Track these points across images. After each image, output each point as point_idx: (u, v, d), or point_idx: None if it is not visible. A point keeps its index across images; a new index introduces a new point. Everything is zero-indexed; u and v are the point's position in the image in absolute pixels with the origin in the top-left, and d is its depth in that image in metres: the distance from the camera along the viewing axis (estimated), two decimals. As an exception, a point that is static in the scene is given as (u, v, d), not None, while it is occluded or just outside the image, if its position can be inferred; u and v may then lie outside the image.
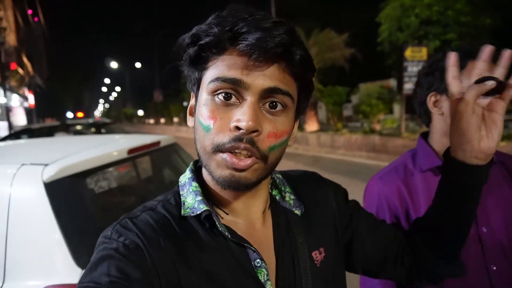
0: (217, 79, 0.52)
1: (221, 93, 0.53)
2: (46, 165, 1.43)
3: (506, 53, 0.60)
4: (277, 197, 0.69)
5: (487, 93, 0.59)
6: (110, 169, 1.87)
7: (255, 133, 0.51)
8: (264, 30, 0.50)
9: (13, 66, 17.71)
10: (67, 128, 6.95)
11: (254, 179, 0.54)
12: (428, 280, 0.76)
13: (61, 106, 42.35)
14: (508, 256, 0.94)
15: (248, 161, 0.52)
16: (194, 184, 0.61)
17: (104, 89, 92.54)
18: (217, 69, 0.53)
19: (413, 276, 0.76)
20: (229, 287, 0.55)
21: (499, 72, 0.60)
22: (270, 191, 0.68)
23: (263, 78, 0.51)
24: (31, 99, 25.80)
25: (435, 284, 0.77)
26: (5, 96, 14.93)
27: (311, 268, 0.63)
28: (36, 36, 33.83)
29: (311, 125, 13.84)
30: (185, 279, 0.53)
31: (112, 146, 1.93)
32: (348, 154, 10.10)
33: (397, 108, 14.43)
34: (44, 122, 20.26)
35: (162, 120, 38.56)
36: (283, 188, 0.69)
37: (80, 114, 37.62)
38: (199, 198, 0.59)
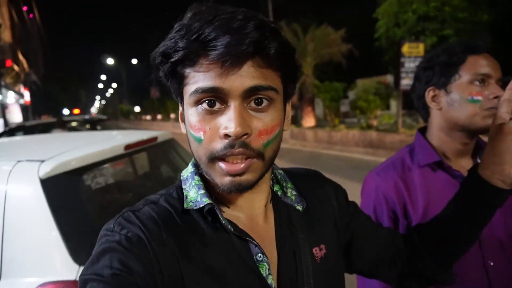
0: (196, 91, 0.52)
1: (204, 101, 0.52)
2: (43, 161, 1.42)
3: None
4: (279, 193, 0.69)
5: None
6: (107, 165, 1.87)
7: (245, 136, 0.51)
8: (232, 32, 0.48)
9: (9, 63, 17.59)
10: (63, 124, 6.91)
11: (255, 179, 0.55)
12: (418, 284, 0.76)
13: (57, 103, 42.16)
14: (506, 252, 0.94)
15: (243, 164, 0.52)
16: (197, 178, 0.62)
17: (101, 85, 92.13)
18: (194, 82, 0.52)
19: (404, 280, 0.76)
20: (230, 281, 0.56)
21: None
22: (272, 186, 0.68)
23: (241, 79, 0.50)
24: (27, 96, 25.61)
25: None
26: (1, 93, 14.83)
27: (312, 264, 0.64)
28: (32, 33, 33.53)
29: (308, 121, 13.84)
30: (187, 272, 0.54)
31: (109, 142, 1.92)
32: (345, 150, 10.11)
33: (394, 104, 14.43)
34: (40, 119, 20.15)
35: (159, 117, 38.45)
36: (284, 184, 0.69)
37: (76, 111, 37.49)
38: (202, 191, 0.59)
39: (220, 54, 0.48)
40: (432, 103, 1.02)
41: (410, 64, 9.21)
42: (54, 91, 40.15)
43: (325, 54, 14.03)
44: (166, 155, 2.45)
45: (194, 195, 0.59)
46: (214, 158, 0.53)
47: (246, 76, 0.50)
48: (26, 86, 25.65)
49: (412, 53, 9.33)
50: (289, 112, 0.64)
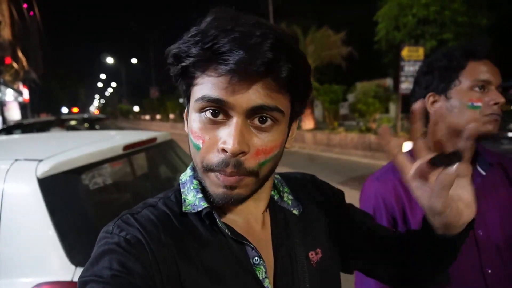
0: (202, 98, 0.51)
1: (207, 110, 0.52)
2: (40, 160, 1.42)
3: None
4: (276, 197, 0.70)
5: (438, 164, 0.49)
6: (105, 165, 1.86)
7: (242, 154, 0.51)
8: (246, 48, 0.47)
9: (8, 60, 17.56)
10: (62, 123, 6.90)
11: (247, 193, 0.55)
12: (416, 285, 0.75)
13: (56, 101, 42.10)
14: (504, 259, 0.94)
15: (235, 178, 0.52)
16: (195, 182, 0.62)
17: (100, 84, 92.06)
18: (201, 87, 0.52)
19: (401, 280, 0.75)
20: (228, 284, 0.56)
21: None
22: None
23: (248, 97, 0.49)
24: (26, 94, 25.59)
25: None
26: (-1, 90, 14.79)
27: (308, 268, 0.64)
28: (32, 30, 33.48)
29: (307, 123, 13.85)
30: (185, 275, 0.54)
31: (108, 142, 1.91)
32: (344, 153, 10.11)
33: (393, 107, 14.45)
34: (39, 117, 20.11)
35: (158, 117, 38.41)
36: (281, 189, 0.70)
37: (75, 110, 37.40)
38: (200, 195, 0.59)
39: (230, 70, 0.47)
40: (432, 108, 1.01)
41: (409, 68, 9.22)
42: (53, 90, 40.09)
43: (325, 56, 14.07)
44: (165, 156, 2.45)
45: (192, 198, 0.60)
46: (209, 169, 0.53)
47: (253, 94, 0.50)
48: (25, 84, 25.62)
49: (412, 57, 9.35)
50: (294, 130, 0.63)
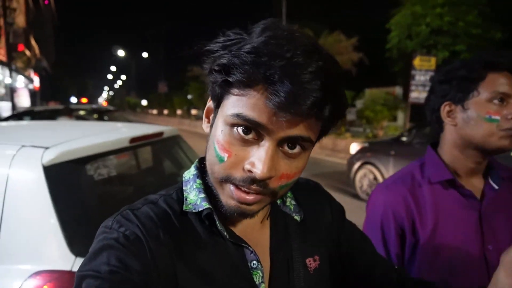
0: (238, 115, 0.49)
1: (240, 126, 0.50)
2: (47, 148, 1.41)
3: None
4: (278, 201, 0.69)
5: None
6: (111, 157, 1.85)
7: (268, 178, 0.50)
8: (298, 83, 0.45)
9: (21, 47, 17.69)
10: (71, 112, 6.93)
11: (259, 209, 0.55)
12: None
13: (66, 91, 42.42)
14: None
15: (253, 197, 0.51)
16: (198, 181, 0.61)
17: (110, 76, 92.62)
18: (240, 103, 0.50)
19: None
20: (221, 285, 0.56)
21: None
22: None
23: (286, 125, 0.48)
24: (36, 82, 25.76)
25: None
26: (11, 76, 14.92)
27: (304, 275, 0.64)
28: (46, 19, 33.79)
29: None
30: (181, 274, 0.54)
31: (114, 134, 1.91)
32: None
33: (401, 116, 14.37)
34: (48, 105, 20.25)
35: (165, 112, 38.56)
36: None
37: (84, 100, 37.70)
38: (202, 195, 0.59)
39: (277, 103, 0.46)
40: (447, 118, 0.99)
41: (420, 77, 9.14)
42: (63, 79, 40.40)
43: (336, 61, 14.02)
44: (170, 151, 2.44)
45: (194, 198, 0.59)
46: (228, 181, 0.52)
47: (292, 123, 0.49)
48: (36, 71, 25.82)
49: (424, 67, 9.27)
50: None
